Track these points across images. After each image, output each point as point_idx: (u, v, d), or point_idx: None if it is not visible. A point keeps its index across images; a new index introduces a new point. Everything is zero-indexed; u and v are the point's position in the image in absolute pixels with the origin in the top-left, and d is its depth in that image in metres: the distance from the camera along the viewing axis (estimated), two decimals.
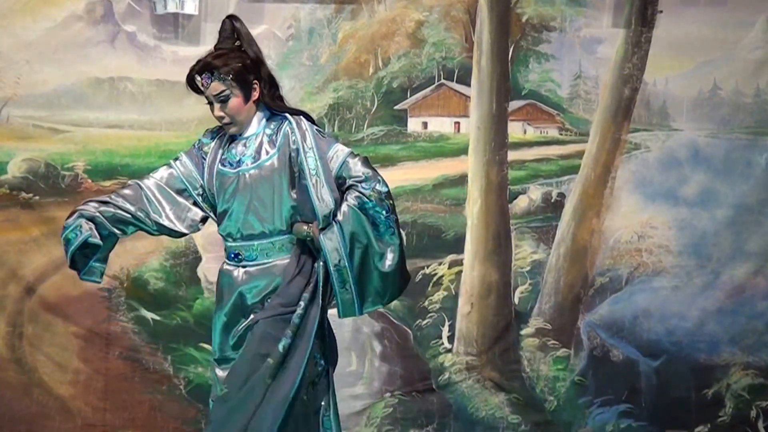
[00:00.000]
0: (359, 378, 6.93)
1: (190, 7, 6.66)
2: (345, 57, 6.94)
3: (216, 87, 4.66)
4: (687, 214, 7.07)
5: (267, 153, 4.71)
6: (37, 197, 6.74)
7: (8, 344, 6.78)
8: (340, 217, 4.64)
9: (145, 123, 6.81)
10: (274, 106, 4.78)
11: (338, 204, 4.65)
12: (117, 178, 6.68)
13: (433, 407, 6.98)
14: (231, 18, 4.80)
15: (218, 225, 4.81)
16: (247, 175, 4.70)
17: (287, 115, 4.76)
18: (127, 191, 4.79)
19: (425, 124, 7.03)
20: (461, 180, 7.01)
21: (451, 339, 7.01)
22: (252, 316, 4.69)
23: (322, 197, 4.63)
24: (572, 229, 7.06)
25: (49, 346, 6.81)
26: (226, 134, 4.80)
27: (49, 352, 6.81)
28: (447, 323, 7.00)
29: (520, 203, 7.05)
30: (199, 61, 4.70)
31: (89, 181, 6.75)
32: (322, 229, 4.63)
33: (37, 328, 6.80)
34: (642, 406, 7.03)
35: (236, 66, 4.67)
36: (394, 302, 6.73)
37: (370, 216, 4.65)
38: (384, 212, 4.68)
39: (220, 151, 4.79)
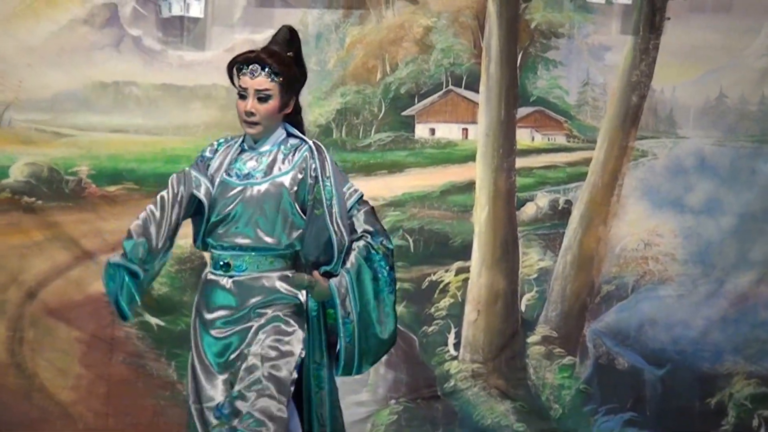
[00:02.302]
0: (364, 385, 6.67)
1: (196, 10, 6.45)
2: (352, 62, 6.69)
3: (262, 82, 4.33)
4: (693, 222, 6.84)
5: (279, 170, 4.39)
6: (39, 201, 6.50)
7: (8, 349, 6.54)
8: (349, 266, 4.35)
9: (151, 128, 6.58)
10: (297, 128, 4.49)
11: (347, 246, 4.36)
12: (122, 183, 6.51)
13: (439, 414, 6.74)
14: (290, 29, 4.47)
15: (205, 234, 4.45)
16: (255, 189, 4.38)
17: (307, 139, 4.45)
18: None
19: (433, 131, 6.79)
20: (469, 187, 6.76)
21: (457, 346, 6.77)
22: (239, 327, 4.36)
23: (338, 228, 4.32)
24: (579, 237, 6.81)
25: (50, 351, 6.57)
26: (234, 147, 4.48)
27: (50, 357, 6.57)
28: (453, 330, 6.75)
29: (528, 210, 6.81)
30: (252, 51, 4.38)
31: (93, 186, 6.53)
32: (330, 275, 4.32)
33: (38, 333, 6.56)
34: (647, 414, 6.81)
35: (289, 73, 4.36)
36: (400, 309, 6.57)
37: (374, 269, 4.37)
38: (387, 268, 4.39)
39: (227, 162, 4.45)
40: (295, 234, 4.36)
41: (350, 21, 6.64)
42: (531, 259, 6.78)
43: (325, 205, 4.30)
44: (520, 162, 6.75)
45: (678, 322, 6.80)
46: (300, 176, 4.36)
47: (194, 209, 4.43)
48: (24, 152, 6.49)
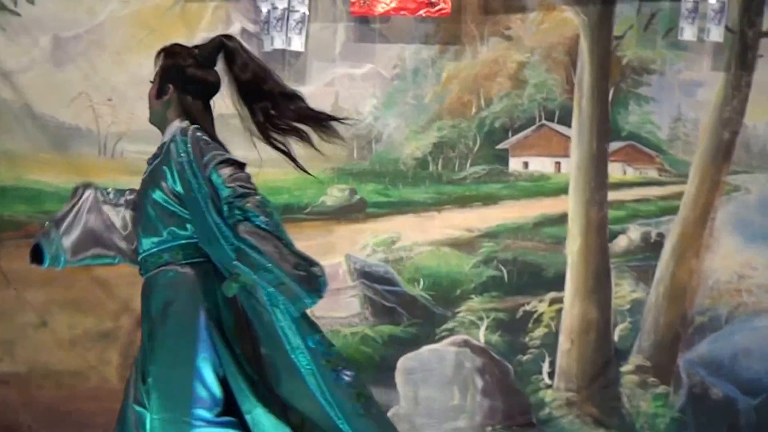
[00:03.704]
0: (462, 412, 6.63)
1: (297, 44, 6.41)
2: (448, 97, 6.68)
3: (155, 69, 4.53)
4: None
5: (157, 167, 4.43)
6: None
7: (121, 375, 6.53)
8: (235, 242, 4.20)
9: (253, 160, 6.24)
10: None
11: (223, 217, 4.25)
12: None
13: None
14: (223, 38, 4.50)
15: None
16: (143, 190, 4.48)
17: (181, 129, 4.41)
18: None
19: (526, 164, 6.76)
20: (561, 219, 6.71)
21: (551, 375, 6.70)
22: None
23: (209, 212, 4.24)
24: (671, 269, 6.72)
25: None
26: None
27: None
28: (547, 359, 6.68)
29: (620, 242, 6.73)
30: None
31: None
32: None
33: None
34: None
35: (165, 61, 4.47)
36: (496, 338, 6.61)
37: (253, 232, 4.20)
38: (263, 221, 4.22)
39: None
40: (175, 220, 4.33)
41: (446, 56, 6.63)
42: (623, 290, 6.69)
43: (195, 191, 4.25)
44: (612, 195, 6.70)
45: None
46: (168, 168, 4.33)
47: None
48: (136, 183, 6.25)
